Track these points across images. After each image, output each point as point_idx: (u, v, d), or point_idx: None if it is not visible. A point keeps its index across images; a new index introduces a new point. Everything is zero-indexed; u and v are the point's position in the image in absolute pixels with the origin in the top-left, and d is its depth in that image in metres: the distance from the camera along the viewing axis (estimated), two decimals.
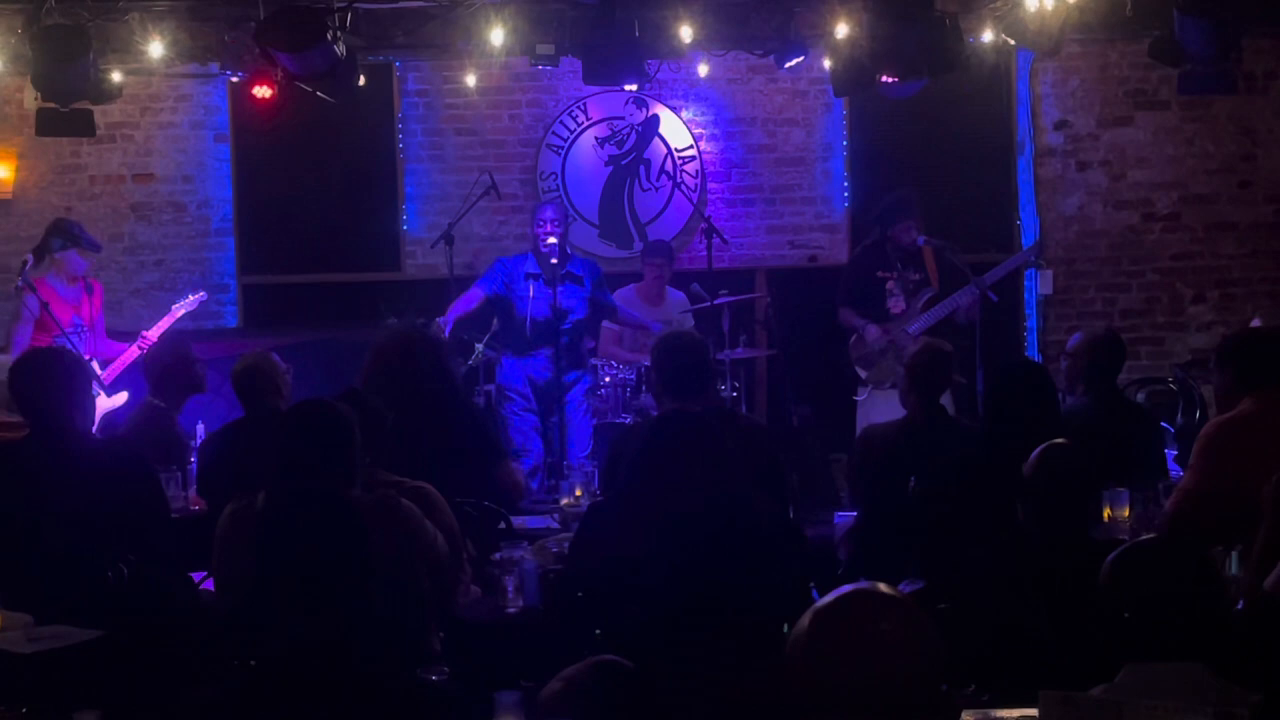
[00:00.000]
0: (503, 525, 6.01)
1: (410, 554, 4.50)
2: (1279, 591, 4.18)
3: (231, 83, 10.32)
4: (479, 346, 8.97)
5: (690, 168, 10.77)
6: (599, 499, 6.23)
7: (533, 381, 8.83)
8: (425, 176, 10.83)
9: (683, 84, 10.72)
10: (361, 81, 8.96)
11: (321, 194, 10.70)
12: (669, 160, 10.78)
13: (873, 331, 8.95)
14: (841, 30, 8.94)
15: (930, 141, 10.57)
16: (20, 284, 8.56)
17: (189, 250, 10.74)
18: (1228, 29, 7.67)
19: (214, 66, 9.99)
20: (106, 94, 8.63)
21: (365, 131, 10.68)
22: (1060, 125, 10.81)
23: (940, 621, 2.44)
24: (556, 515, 6.44)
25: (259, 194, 10.79)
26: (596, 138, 10.80)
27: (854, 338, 9.08)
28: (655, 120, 10.78)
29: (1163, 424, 7.84)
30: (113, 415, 8.09)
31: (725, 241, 10.00)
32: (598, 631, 4.44)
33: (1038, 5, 8.61)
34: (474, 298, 8.74)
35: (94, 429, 7.49)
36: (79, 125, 8.57)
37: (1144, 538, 3.53)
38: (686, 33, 9.06)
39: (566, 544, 5.20)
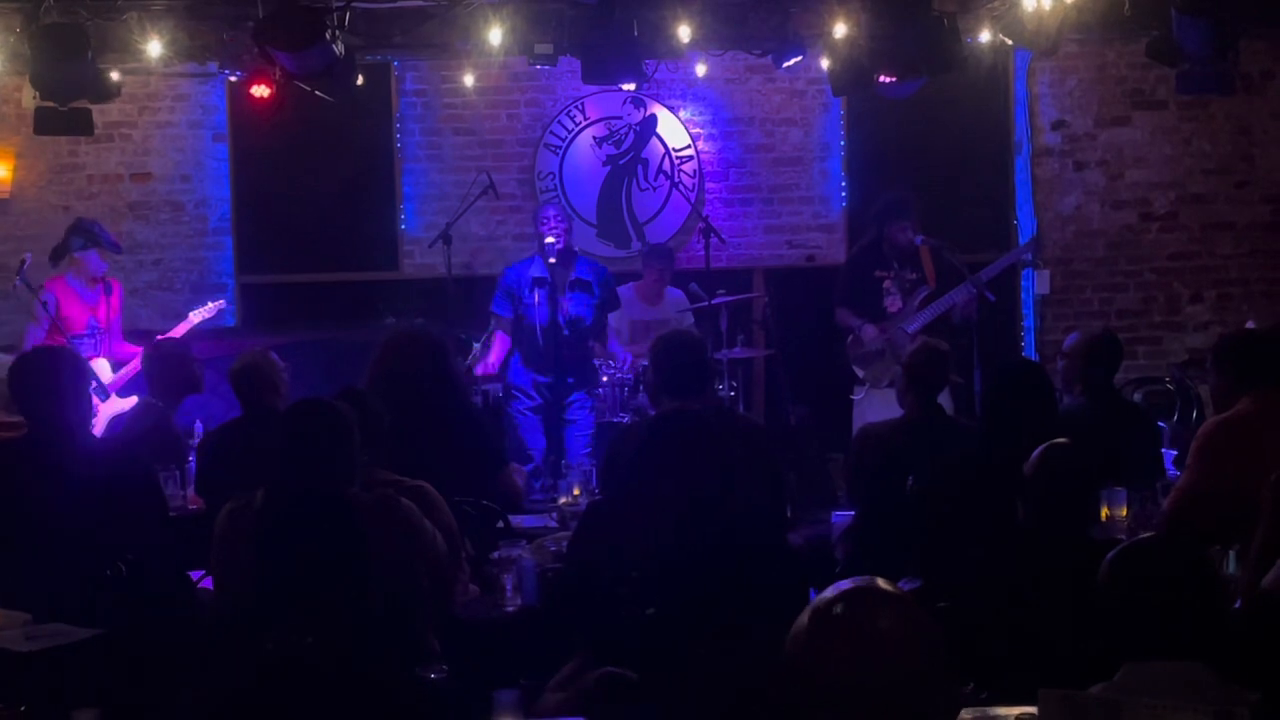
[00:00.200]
0: (501, 524, 6.02)
1: (409, 553, 4.51)
2: (1277, 591, 4.19)
3: (229, 82, 10.31)
4: (476, 346, 8.97)
5: (688, 167, 10.77)
6: (597, 498, 6.24)
7: (539, 384, 8.87)
8: (423, 176, 10.82)
9: (680, 84, 10.72)
10: (359, 81, 8.96)
11: (319, 193, 10.69)
12: (667, 160, 10.78)
13: (869, 331, 8.96)
14: (840, 30, 8.94)
15: (928, 141, 10.57)
16: (19, 283, 8.57)
17: (187, 250, 10.73)
18: (1226, 29, 7.67)
19: (212, 66, 10.00)
20: (105, 93, 8.63)
21: (363, 131, 10.67)
22: (1057, 125, 10.82)
23: (939, 620, 2.44)
24: (555, 514, 6.45)
25: (257, 193, 10.78)
26: (594, 137, 10.80)
27: (851, 337, 9.09)
28: (653, 120, 10.78)
29: (1160, 424, 7.85)
30: (122, 417, 8.08)
31: (723, 241, 10.01)
32: (596, 631, 4.44)
33: (1035, 5, 8.61)
34: (504, 341, 8.93)
35: (100, 430, 7.55)
36: (77, 124, 8.57)
37: (1143, 536, 3.53)
38: (685, 32, 9.06)
39: (565, 543, 5.21)
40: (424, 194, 10.81)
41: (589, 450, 8.93)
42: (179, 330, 8.69)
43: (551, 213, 8.92)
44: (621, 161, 10.81)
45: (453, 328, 8.76)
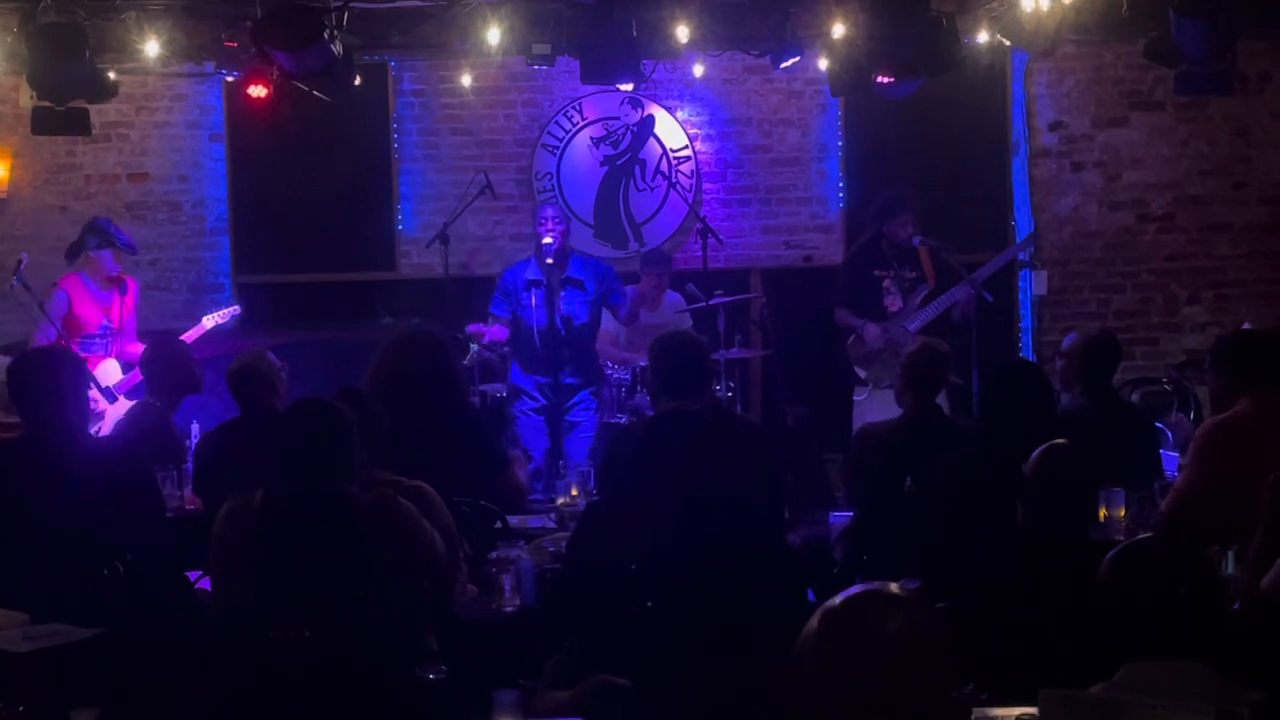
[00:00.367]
0: (499, 524, 6.01)
1: (408, 553, 4.50)
2: (1276, 591, 4.19)
3: (227, 82, 10.31)
4: (474, 347, 8.97)
5: (685, 168, 10.77)
6: (595, 498, 6.24)
7: (540, 385, 8.89)
8: (420, 176, 10.82)
9: (678, 84, 10.72)
10: (357, 81, 8.96)
11: (317, 193, 10.68)
12: (664, 160, 10.78)
13: (872, 330, 8.95)
14: (838, 30, 8.94)
15: (925, 142, 10.57)
16: (15, 283, 8.56)
17: (184, 250, 10.73)
18: (1224, 30, 7.67)
19: (209, 66, 9.99)
20: (103, 93, 8.61)
21: (360, 131, 10.67)
22: (1055, 126, 10.82)
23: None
24: (553, 515, 6.45)
25: (254, 193, 10.78)
26: (592, 138, 10.79)
27: (852, 338, 9.08)
28: (650, 120, 10.78)
29: (1157, 424, 7.85)
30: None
31: (720, 242, 10.01)
32: (594, 631, 4.44)
33: (1033, 5, 8.62)
34: (501, 331, 8.91)
35: (102, 430, 7.54)
36: (75, 124, 8.56)
37: (1142, 536, 3.53)
38: (683, 32, 9.06)
39: (564, 543, 5.20)
40: (421, 194, 10.81)
41: (589, 451, 8.95)
42: (192, 335, 8.67)
43: (550, 213, 8.92)
44: (619, 162, 10.81)
45: (450, 328, 8.75)
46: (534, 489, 7.65)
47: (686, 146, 10.77)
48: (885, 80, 8.44)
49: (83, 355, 8.52)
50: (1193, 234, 10.84)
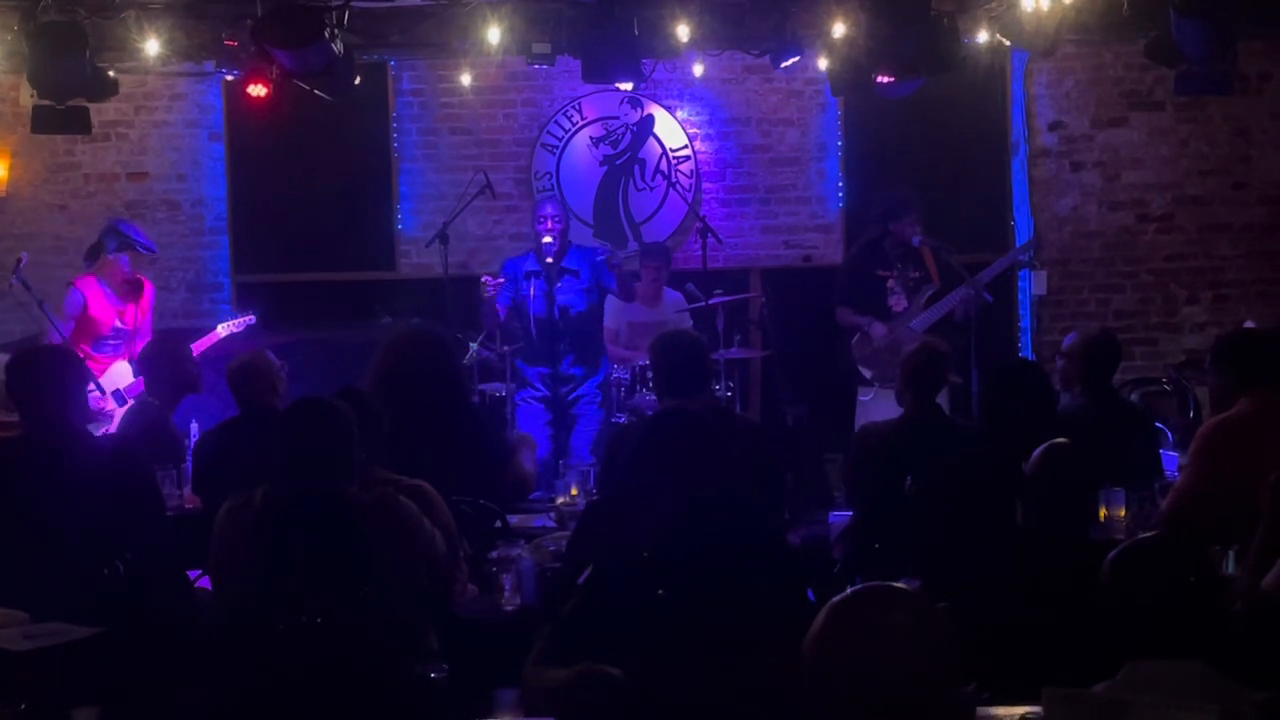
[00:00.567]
0: (499, 523, 6.01)
1: (408, 551, 4.50)
2: (1277, 591, 4.18)
3: (226, 81, 10.31)
4: (473, 346, 8.96)
5: (685, 167, 10.76)
6: (595, 497, 6.24)
7: (542, 376, 8.95)
8: (420, 176, 10.82)
9: (678, 84, 10.71)
10: (356, 81, 8.96)
11: (316, 193, 10.67)
12: (664, 160, 10.77)
13: (879, 329, 8.93)
14: (838, 30, 8.94)
15: (925, 142, 10.56)
16: (15, 281, 8.56)
17: (183, 249, 10.73)
18: (1225, 29, 7.66)
19: (209, 65, 9.99)
20: (103, 91, 8.61)
21: (360, 130, 10.66)
22: (1055, 126, 10.82)
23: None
24: (553, 514, 6.45)
25: (253, 193, 10.77)
26: (591, 137, 10.79)
27: (857, 337, 9.06)
28: (650, 120, 10.78)
29: (1157, 424, 7.85)
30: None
31: (720, 241, 10.01)
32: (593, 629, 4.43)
33: (1034, 5, 8.61)
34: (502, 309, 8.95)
35: (109, 432, 7.54)
36: (75, 123, 8.55)
37: (1144, 536, 3.53)
38: (683, 32, 9.06)
39: (564, 542, 5.20)
40: (420, 193, 10.80)
41: (591, 448, 8.99)
42: (206, 342, 8.65)
43: (550, 210, 8.98)
44: (618, 161, 10.81)
45: (449, 327, 8.74)
46: (540, 476, 7.61)
47: (686, 146, 10.76)
48: (885, 80, 8.44)
49: (95, 356, 8.55)
50: (1192, 234, 10.84)
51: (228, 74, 9.85)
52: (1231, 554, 4.84)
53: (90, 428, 6.42)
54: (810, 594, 4.95)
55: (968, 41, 9.01)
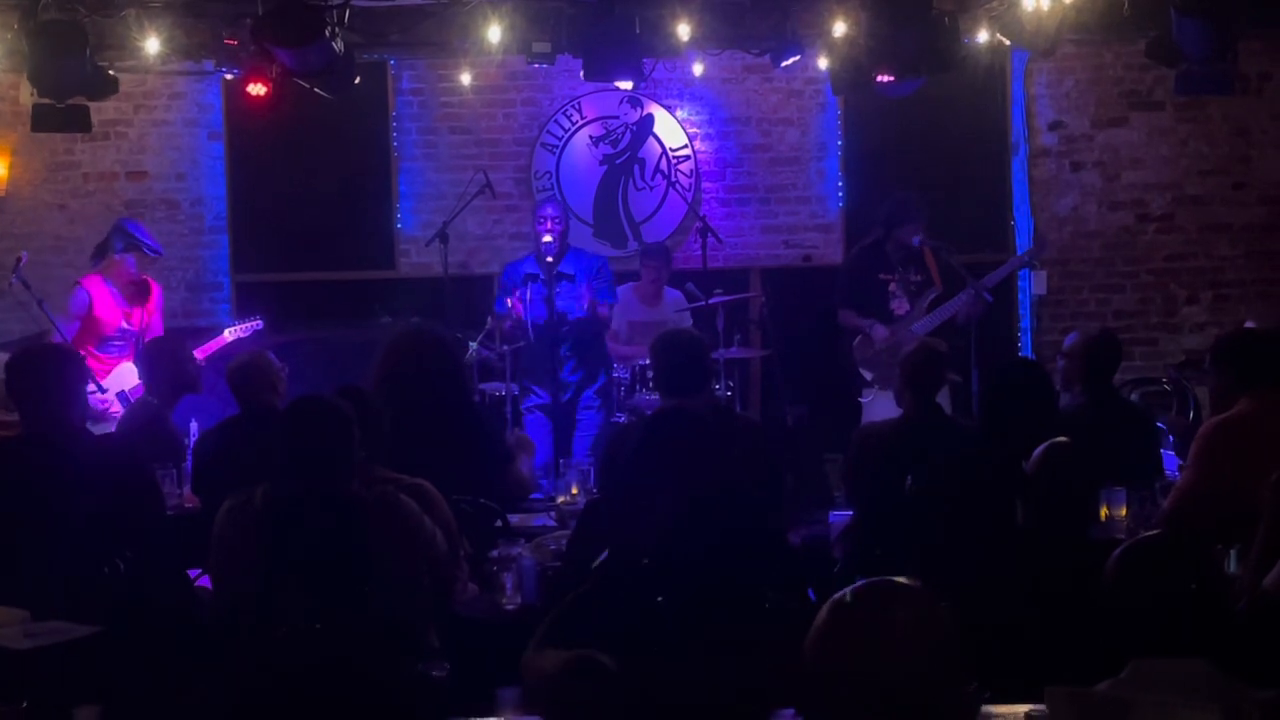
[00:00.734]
0: (499, 523, 6.01)
1: (410, 550, 4.49)
2: (1278, 591, 4.19)
3: (225, 80, 10.30)
4: (473, 345, 8.97)
5: (685, 167, 10.76)
6: (595, 496, 6.23)
7: (542, 382, 8.97)
8: (419, 175, 10.81)
9: (677, 83, 10.71)
10: (356, 80, 8.95)
11: (315, 192, 10.67)
12: (663, 159, 10.77)
13: (880, 331, 8.90)
14: (839, 29, 8.94)
15: (925, 142, 10.56)
16: (14, 280, 8.55)
17: (182, 248, 10.72)
18: (1226, 29, 7.66)
19: (208, 64, 9.98)
20: (103, 89, 8.60)
21: (359, 130, 10.66)
22: (1055, 126, 10.82)
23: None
24: (553, 513, 6.44)
25: (253, 192, 10.77)
26: (591, 137, 10.79)
27: (858, 339, 9.03)
28: (650, 119, 10.77)
29: (1159, 424, 7.84)
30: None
31: (720, 241, 10.00)
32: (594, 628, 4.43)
33: (1034, 5, 8.61)
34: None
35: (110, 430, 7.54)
36: (75, 121, 8.53)
37: (1149, 533, 3.52)
38: (684, 30, 9.06)
39: (565, 541, 5.20)
40: (420, 193, 10.80)
41: (590, 449, 9.01)
42: (212, 347, 8.64)
43: (550, 211, 9.04)
44: (618, 161, 10.80)
45: (449, 326, 8.74)
46: (539, 482, 7.63)
47: (686, 145, 10.76)
48: (886, 79, 8.44)
49: (100, 357, 8.55)
50: (1192, 234, 10.84)
51: (227, 73, 9.85)
52: (1233, 554, 4.85)
53: (94, 428, 6.43)
54: (811, 593, 4.95)
55: (968, 41, 9.00)
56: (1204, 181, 10.82)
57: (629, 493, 4.72)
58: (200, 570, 5.43)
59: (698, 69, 10.34)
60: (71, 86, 8.29)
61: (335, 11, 7.79)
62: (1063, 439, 4.80)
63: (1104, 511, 5.68)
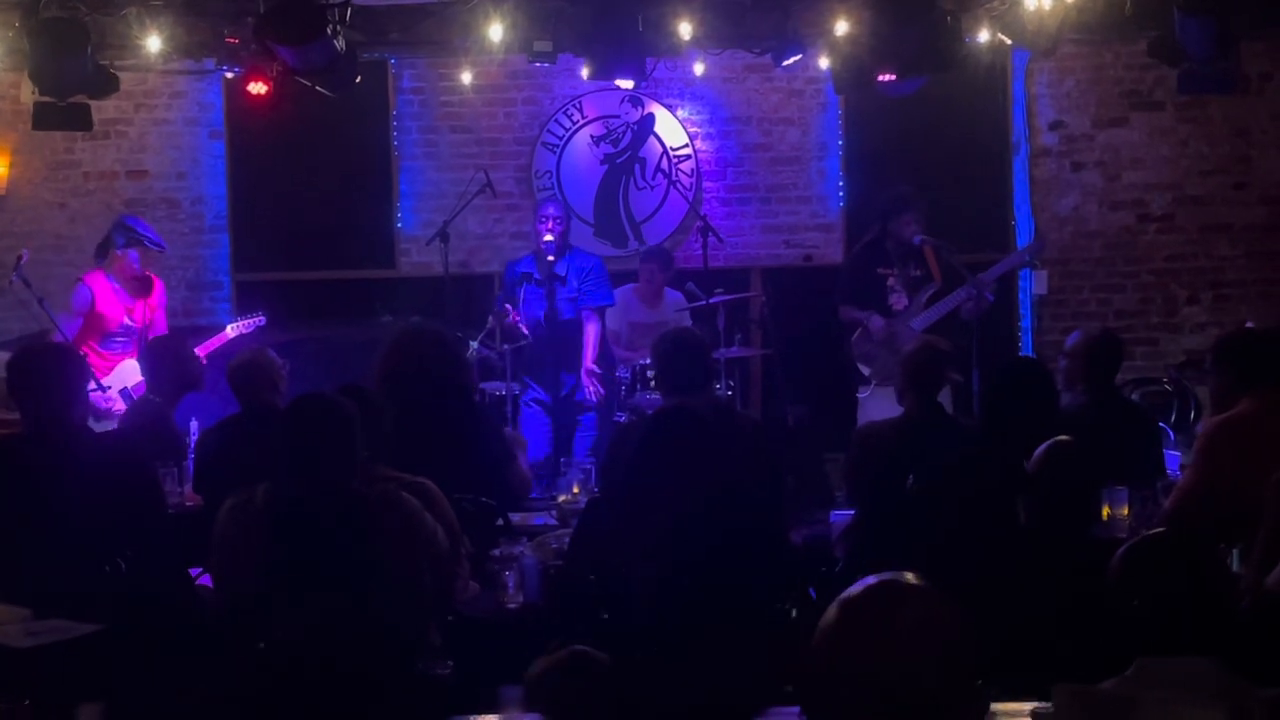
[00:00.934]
0: (500, 521, 6.01)
1: (412, 547, 4.49)
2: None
3: (226, 79, 10.30)
4: (474, 345, 8.97)
5: (685, 166, 10.76)
6: (596, 495, 6.23)
7: (540, 381, 9.01)
8: (420, 174, 10.81)
9: (678, 83, 10.71)
10: (357, 79, 8.94)
11: (316, 191, 10.68)
12: (664, 159, 10.77)
13: (877, 321, 8.91)
14: (841, 28, 8.94)
15: (925, 141, 10.55)
16: (15, 279, 8.55)
17: (183, 247, 10.70)
18: (1228, 28, 7.66)
19: (209, 63, 9.97)
20: (105, 87, 8.59)
21: (360, 129, 10.66)
22: (1055, 126, 10.82)
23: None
24: (554, 512, 6.44)
25: (253, 191, 10.77)
26: (592, 136, 10.79)
27: (856, 334, 9.05)
28: (650, 119, 10.77)
29: (1161, 424, 7.85)
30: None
31: (721, 240, 9.99)
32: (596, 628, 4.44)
33: (1036, 4, 8.61)
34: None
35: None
36: (77, 119, 8.53)
37: (1154, 531, 3.52)
38: (686, 29, 9.06)
39: (567, 540, 5.20)
40: (421, 192, 10.80)
41: (590, 448, 9.02)
42: (215, 343, 8.64)
43: (551, 211, 9.10)
44: (619, 160, 10.80)
45: (450, 326, 8.74)
46: (537, 478, 7.63)
47: (687, 145, 10.76)
48: (888, 78, 8.44)
49: (103, 354, 8.55)
50: (1193, 234, 10.84)
51: (228, 71, 9.84)
52: (1235, 553, 4.85)
53: (97, 426, 6.43)
54: (811, 592, 4.95)
55: (969, 40, 9.00)
56: (1205, 181, 10.81)
57: (631, 491, 4.73)
58: (201, 569, 5.43)
59: (699, 68, 10.34)
60: (73, 85, 8.28)
61: (337, 9, 7.79)
62: (1065, 437, 4.79)
63: (1106, 511, 5.68)
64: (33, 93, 8.54)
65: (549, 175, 10.76)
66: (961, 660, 2.29)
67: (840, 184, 10.86)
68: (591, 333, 9.23)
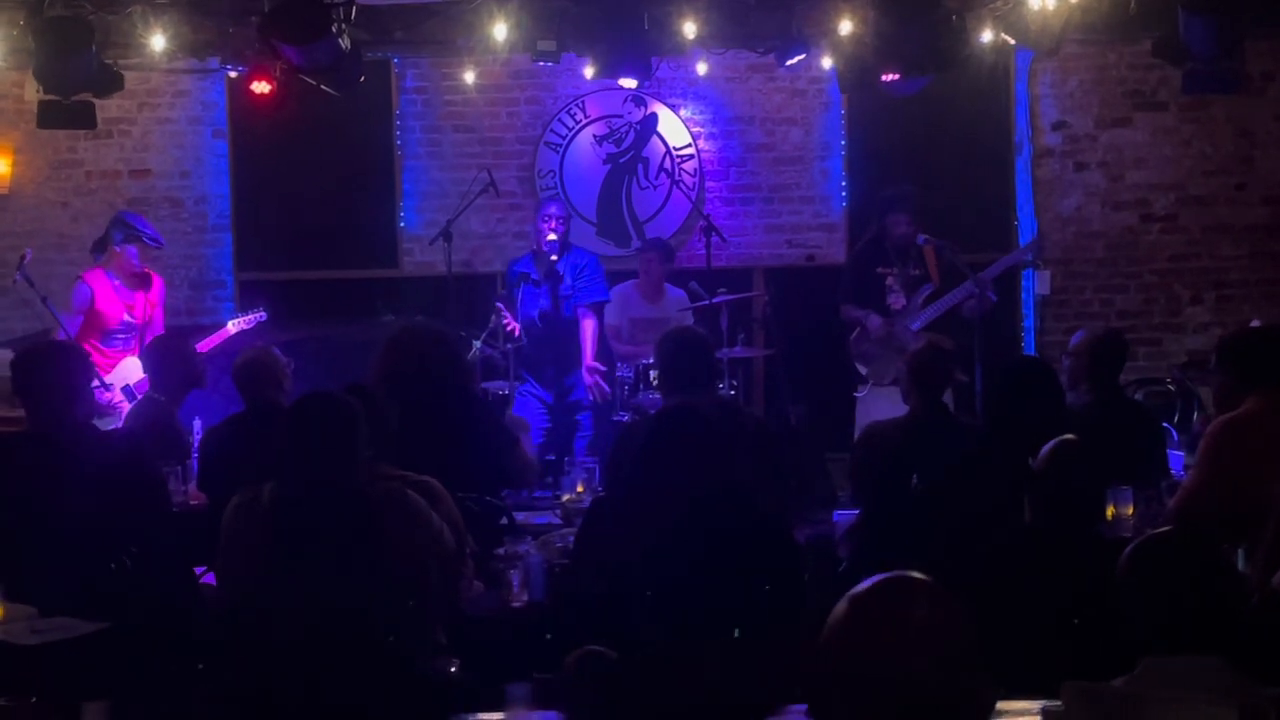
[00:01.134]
0: (505, 520, 6.01)
1: (419, 545, 4.49)
2: None
3: (229, 78, 10.31)
4: (476, 344, 8.96)
5: (688, 166, 10.76)
6: (601, 494, 6.23)
7: (537, 380, 9.02)
8: (423, 174, 10.81)
9: (681, 82, 10.71)
10: (361, 78, 8.94)
11: (319, 190, 10.68)
12: (667, 158, 10.77)
13: (875, 321, 8.94)
14: (845, 27, 8.93)
15: (928, 141, 10.56)
16: (19, 278, 8.54)
17: (185, 246, 10.71)
18: (1233, 28, 7.65)
19: (213, 62, 9.99)
20: (109, 86, 8.59)
21: (363, 128, 10.66)
22: (1058, 126, 10.81)
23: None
24: (558, 511, 6.44)
25: (256, 190, 10.77)
26: (595, 135, 10.79)
27: (855, 333, 9.08)
28: (653, 119, 10.77)
29: (1165, 424, 7.85)
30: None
31: (724, 240, 9.99)
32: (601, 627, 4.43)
33: (1040, 4, 8.60)
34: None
35: (117, 425, 7.53)
36: (81, 117, 8.53)
37: (1162, 529, 3.51)
38: (690, 29, 9.05)
39: (571, 538, 5.20)
40: (424, 191, 10.80)
41: (588, 447, 9.02)
42: (215, 339, 8.64)
43: (554, 210, 9.12)
44: (622, 160, 10.80)
45: (453, 325, 8.74)
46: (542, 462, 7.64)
47: (689, 145, 10.76)
48: (892, 78, 8.43)
49: (105, 351, 8.55)
50: (1195, 234, 10.83)
51: (231, 70, 9.84)
52: (1241, 552, 4.84)
53: (100, 423, 6.42)
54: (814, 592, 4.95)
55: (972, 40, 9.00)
56: (1207, 182, 10.80)
57: (636, 490, 4.72)
58: (205, 568, 5.43)
59: (702, 68, 10.34)
60: (77, 83, 8.28)
61: (342, 8, 7.79)
62: (1070, 436, 4.79)
63: (1111, 510, 5.67)
64: (37, 91, 8.55)
65: (552, 175, 10.76)
66: (968, 656, 2.29)
67: (843, 184, 10.86)
68: (589, 329, 9.25)
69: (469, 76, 10.41)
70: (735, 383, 9.20)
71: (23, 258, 8.64)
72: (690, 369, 6.08)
